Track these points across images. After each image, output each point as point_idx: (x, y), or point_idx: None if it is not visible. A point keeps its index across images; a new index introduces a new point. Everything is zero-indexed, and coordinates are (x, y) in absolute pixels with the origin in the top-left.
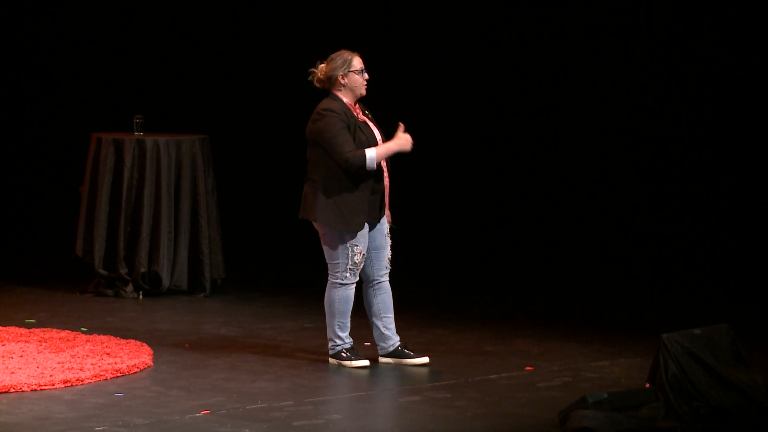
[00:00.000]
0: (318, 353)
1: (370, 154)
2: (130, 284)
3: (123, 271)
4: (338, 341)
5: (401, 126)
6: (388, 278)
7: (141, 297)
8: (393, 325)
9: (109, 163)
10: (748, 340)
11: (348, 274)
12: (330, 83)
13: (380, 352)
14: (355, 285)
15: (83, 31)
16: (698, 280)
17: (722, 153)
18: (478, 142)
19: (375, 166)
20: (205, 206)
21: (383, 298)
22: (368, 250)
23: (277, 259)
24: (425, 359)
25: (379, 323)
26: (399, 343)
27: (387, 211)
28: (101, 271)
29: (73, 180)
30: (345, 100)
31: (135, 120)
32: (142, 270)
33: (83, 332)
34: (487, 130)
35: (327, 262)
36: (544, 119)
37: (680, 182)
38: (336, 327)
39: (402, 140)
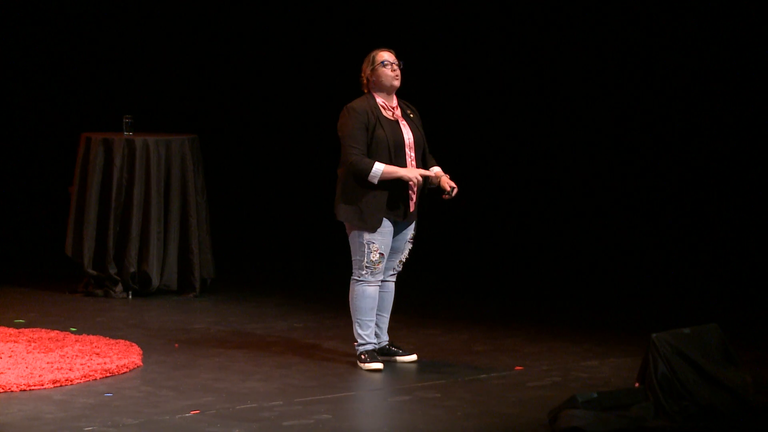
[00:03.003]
0: (308, 353)
1: (378, 167)
2: (120, 284)
3: (112, 270)
4: (360, 340)
5: (433, 172)
6: (394, 279)
7: (130, 297)
8: (386, 325)
9: (98, 163)
10: (737, 340)
11: (364, 272)
12: (369, 85)
13: None
14: (375, 284)
15: (72, 31)
16: (688, 279)
17: (714, 154)
18: (470, 141)
19: (376, 180)
20: (195, 206)
21: (382, 296)
22: None
23: (267, 258)
24: (413, 356)
25: None
26: (387, 341)
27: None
28: (91, 271)
29: (63, 180)
30: (380, 100)
31: (124, 120)
32: (132, 270)
33: (73, 332)
34: (479, 129)
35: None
36: (540, 120)
37: (671, 183)
38: (356, 325)
39: (413, 174)
